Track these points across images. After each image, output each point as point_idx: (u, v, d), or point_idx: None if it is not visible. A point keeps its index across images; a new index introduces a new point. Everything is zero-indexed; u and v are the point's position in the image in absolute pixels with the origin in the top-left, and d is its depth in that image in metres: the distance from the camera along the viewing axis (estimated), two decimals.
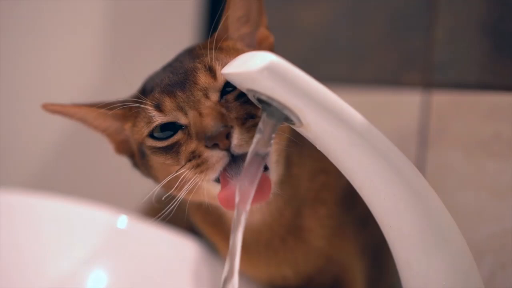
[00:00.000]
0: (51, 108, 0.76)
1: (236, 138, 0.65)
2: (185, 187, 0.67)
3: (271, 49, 0.78)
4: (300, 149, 0.77)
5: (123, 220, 0.93)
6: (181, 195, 0.69)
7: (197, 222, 0.88)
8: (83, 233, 0.92)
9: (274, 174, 0.74)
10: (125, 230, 0.93)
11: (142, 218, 0.95)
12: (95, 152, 1.06)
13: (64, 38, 1.31)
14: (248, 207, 0.62)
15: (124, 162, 0.82)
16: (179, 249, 0.91)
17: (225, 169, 0.66)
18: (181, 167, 0.68)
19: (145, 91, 0.74)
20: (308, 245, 0.82)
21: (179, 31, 1.40)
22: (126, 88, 0.76)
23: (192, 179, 0.67)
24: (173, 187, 0.69)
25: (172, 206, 0.70)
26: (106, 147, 0.82)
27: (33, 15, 1.27)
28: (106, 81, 1.29)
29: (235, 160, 0.66)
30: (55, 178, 1.30)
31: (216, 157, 0.65)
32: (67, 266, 0.88)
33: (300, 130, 0.62)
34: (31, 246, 0.90)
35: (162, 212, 0.70)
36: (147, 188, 0.77)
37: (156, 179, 0.75)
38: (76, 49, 1.32)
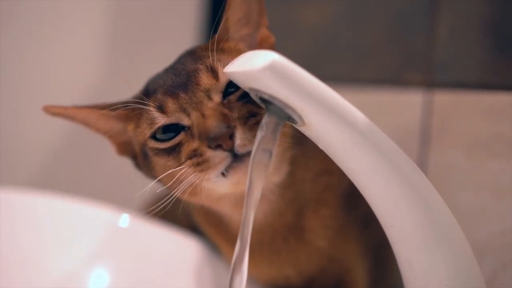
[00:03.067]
0: (52, 111, 0.76)
1: (239, 138, 0.65)
2: (183, 183, 0.67)
3: (272, 49, 0.78)
4: (303, 150, 0.77)
5: (125, 219, 0.93)
6: (178, 192, 0.69)
7: (199, 222, 0.88)
8: (85, 232, 0.92)
9: (275, 174, 0.75)
10: (127, 229, 0.93)
11: (144, 217, 0.95)
12: (96, 150, 1.06)
13: (65, 39, 1.30)
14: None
15: (125, 160, 0.82)
16: (181, 249, 0.91)
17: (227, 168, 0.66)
18: (181, 163, 0.68)
19: (147, 93, 0.74)
20: (310, 246, 0.82)
21: (181, 32, 1.40)
22: (128, 89, 0.76)
23: (191, 177, 0.67)
24: (173, 186, 0.69)
25: (166, 202, 0.70)
26: (108, 145, 0.82)
27: (34, 16, 1.27)
28: (108, 82, 1.29)
29: (238, 159, 0.66)
30: (57, 176, 1.30)
31: (219, 158, 0.65)
32: (68, 265, 0.88)
33: (302, 129, 0.62)
34: (32, 245, 0.90)
35: (155, 206, 0.70)
36: (152, 191, 0.77)
37: (159, 180, 0.75)
38: (77, 49, 1.32)
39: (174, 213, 0.89)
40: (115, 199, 0.98)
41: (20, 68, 1.27)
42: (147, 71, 0.79)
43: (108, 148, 0.82)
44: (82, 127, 0.80)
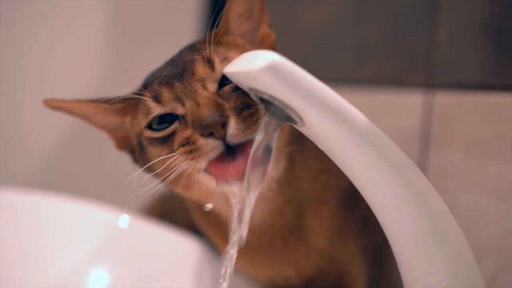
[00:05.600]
0: (52, 104, 0.76)
1: (232, 127, 0.65)
2: (174, 171, 0.67)
3: (273, 47, 0.78)
4: (303, 149, 0.77)
5: (124, 219, 0.93)
6: (169, 179, 0.69)
7: (198, 222, 0.89)
8: (84, 232, 0.92)
9: (273, 170, 0.74)
10: (126, 229, 0.93)
11: (144, 217, 0.95)
12: (96, 151, 1.06)
13: (66, 36, 1.31)
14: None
15: (126, 161, 0.82)
16: (180, 249, 0.91)
17: (218, 159, 0.66)
18: (173, 151, 0.68)
19: (146, 86, 0.74)
20: (310, 246, 0.82)
21: (182, 28, 1.40)
22: (129, 85, 0.76)
23: (182, 165, 0.67)
24: (164, 174, 0.69)
25: (156, 189, 0.70)
26: (108, 146, 0.82)
27: (35, 12, 1.27)
28: (108, 78, 1.29)
29: (230, 151, 0.66)
30: (57, 177, 1.30)
31: (211, 146, 0.66)
32: (68, 265, 0.88)
33: (302, 129, 0.62)
34: (32, 245, 0.90)
35: (143, 191, 0.71)
36: (146, 185, 0.77)
37: (152, 171, 0.75)
38: (78, 47, 1.32)
39: (174, 213, 0.90)
40: (115, 199, 0.98)
41: (22, 66, 1.27)
42: (148, 67, 0.79)
43: (109, 148, 0.82)
44: (82, 127, 0.81)
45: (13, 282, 0.85)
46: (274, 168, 0.75)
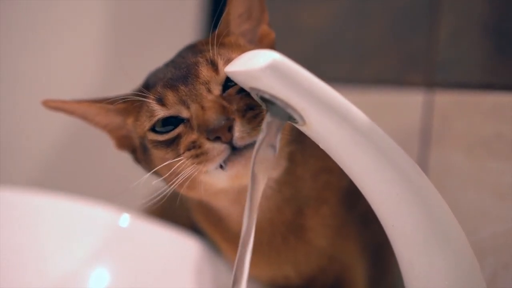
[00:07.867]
0: (51, 105, 0.76)
1: (238, 130, 0.65)
2: (180, 176, 0.67)
3: (272, 45, 0.79)
4: (303, 147, 0.77)
5: (125, 219, 0.93)
6: (175, 184, 0.69)
7: (199, 221, 0.88)
8: (85, 232, 0.92)
9: (274, 169, 0.74)
10: (127, 228, 0.93)
11: (144, 216, 0.95)
12: (97, 150, 1.06)
13: (66, 35, 1.31)
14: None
15: (126, 160, 0.82)
16: (181, 248, 0.91)
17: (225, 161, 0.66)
18: (179, 155, 0.68)
19: (147, 86, 0.74)
20: (310, 245, 0.82)
21: (182, 28, 1.41)
22: (129, 85, 0.76)
23: (188, 169, 0.67)
24: (171, 178, 0.69)
25: (163, 194, 0.70)
26: (109, 145, 0.82)
27: (35, 12, 1.27)
28: (109, 78, 1.29)
29: (236, 152, 0.66)
30: (57, 176, 1.30)
31: (218, 150, 0.65)
32: (69, 265, 0.88)
33: (303, 129, 0.62)
34: (32, 245, 0.90)
35: (151, 197, 0.70)
36: (150, 187, 0.77)
37: (157, 173, 0.75)
38: (79, 46, 1.32)
39: (175, 212, 0.90)
40: (116, 198, 0.99)
41: (22, 65, 1.27)
42: (148, 67, 0.79)
43: (109, 147, 0.82)
44: (82, 127, 0.80)
45: (13, 282, 0.85)
46: (274, 167, 0.75)
